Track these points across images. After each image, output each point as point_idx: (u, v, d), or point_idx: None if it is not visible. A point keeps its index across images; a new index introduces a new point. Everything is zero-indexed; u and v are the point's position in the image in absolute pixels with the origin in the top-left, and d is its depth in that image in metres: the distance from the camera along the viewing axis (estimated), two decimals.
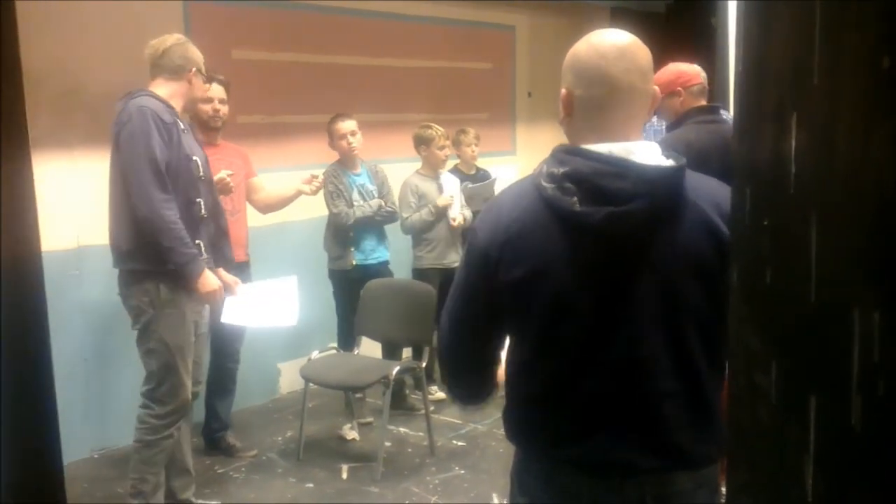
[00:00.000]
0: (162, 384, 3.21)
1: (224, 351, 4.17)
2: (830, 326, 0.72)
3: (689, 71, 3.58)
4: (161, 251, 3.08)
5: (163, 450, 3.26)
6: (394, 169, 4.94)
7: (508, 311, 1.56)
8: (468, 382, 1.79)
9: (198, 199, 3.24)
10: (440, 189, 4.93)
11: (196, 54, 3.32)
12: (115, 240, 3.18)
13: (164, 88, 3.24)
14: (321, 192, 4.49)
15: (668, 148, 3.10)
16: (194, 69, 3.29)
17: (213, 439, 4.28)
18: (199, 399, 4.14)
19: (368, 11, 5.44)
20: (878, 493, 0.68)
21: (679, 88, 3.53)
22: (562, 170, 1.48)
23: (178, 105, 3.27)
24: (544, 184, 1.50)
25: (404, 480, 3.98)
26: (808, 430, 0.76)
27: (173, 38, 3.31)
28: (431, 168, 4.97)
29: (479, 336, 1.66)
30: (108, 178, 3.21)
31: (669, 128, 3.65)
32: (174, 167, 3.14)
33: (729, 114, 3.67)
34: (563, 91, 1.59)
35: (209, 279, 3.19)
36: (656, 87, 1.60)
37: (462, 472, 4.08)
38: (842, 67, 0.69)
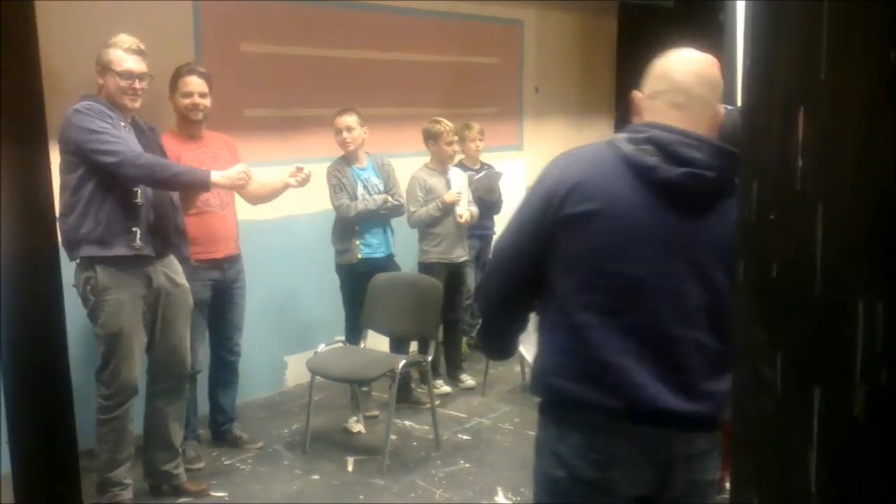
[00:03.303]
0: (105, 368, 3.36)
1: (223, 344, 4.19)
2: (835, 318, 0.73)
3: None
4: (162, 183, 3.32)
5: (112, 429, 3.38)
6: (401, 163, 4.94)
7: (562, 244, 1.71)
8: (503, 324, 1.93)
9: (134, 189, 3.33)
10: (448, 184, 4.94)
11: (104, 54, 3.38)
12: (70, 230, 3.27)
13: (101, 93, 3.39)
14: (325, 186, 4.51)
15: None
16: (97, 69, 3.38)
17: (220, 432, 4.30)
18: (203, 390, 4.18)
19: (377, 6, 5.44)
20: (882, 483, 0.69)
21: None
22: (642, 135, 1.69)
23: (112, 103, 3.37)
24: (623, 144, 1.70)
25: (410, 473, 4.00)
26: (812, 420, 0.77)
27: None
28: (440, 163, 4.97)
29: (523, 270, 1.79)
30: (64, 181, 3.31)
31: None
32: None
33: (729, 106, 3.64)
34: (639, 94, 1.80)
35: (221, 174, 3.41)
36: (721, 106, 1.79)
37: (467, 465, 4.09)
38: (849, 62, 0.70)
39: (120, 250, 3.29)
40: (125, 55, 3.36)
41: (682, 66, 1.75)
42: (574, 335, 1.72)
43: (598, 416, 1.70)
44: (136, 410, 3.54)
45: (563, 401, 1.75)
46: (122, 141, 3.23)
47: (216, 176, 3.40)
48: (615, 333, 1.68)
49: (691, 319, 1.69)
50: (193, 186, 3.43)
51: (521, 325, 1.94)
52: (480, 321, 1.98)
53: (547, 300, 1.78)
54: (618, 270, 1.68)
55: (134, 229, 3.31)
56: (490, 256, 1.90)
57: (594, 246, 1.68)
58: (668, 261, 1.68)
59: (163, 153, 3.53)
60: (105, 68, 3.36)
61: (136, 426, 3.60)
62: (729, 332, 1.73)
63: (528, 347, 2.37)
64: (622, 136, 1.73)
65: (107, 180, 3.25)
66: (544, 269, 1.75)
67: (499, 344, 2.03)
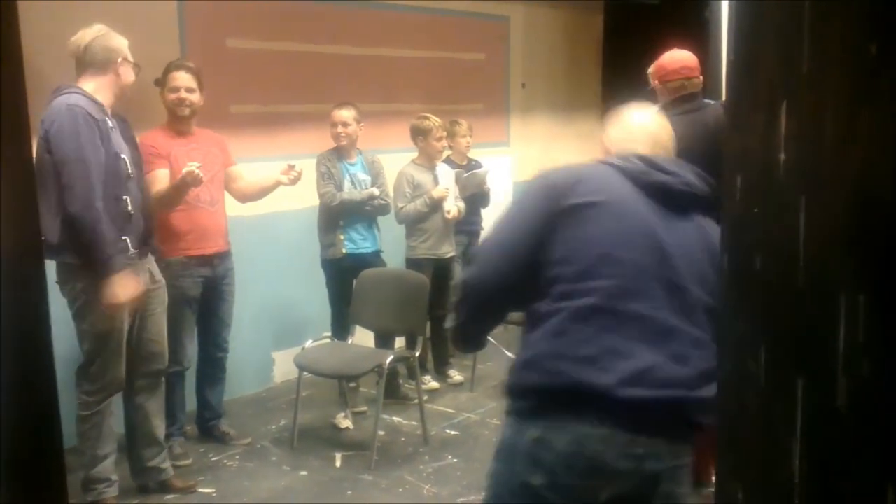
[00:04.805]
0: (92, 364, 3.34)
1: (212, 340, 4.18)
2: (817, 309, 0.74)
3: (669, 65, 3.52)
4: (84, 246, 3.14)
5: (94, 425, 3.37)
6: (387, 159, 4.94)
7: (565, 232, 1.74)
8: (487, 316, 1.93)
9: (124, 197, 3.29)
10: (436, 180, 4.93)
11: (119, 43, 3.33)
12: (44, 233, 3.17)
13: (91, 84, 3.29)
14: (313, 181, 4.51)
15: None
16: (120, 59, 3.32)
17: (207, 428, 4.28)
18: (190, 386, 4.18)
19: (363, 1, 5.43)
20: (864, 472, 0.70)
21: (655, 82, 3.52)
22: (630, 155, 1.85)
23: (106, 99, 3.31)
24: (613, 160, 1.84)
25: (397, 469, 4.00)
26: (796, 412, 0.78)
27: (94, 31, 3.31)
28: (428, 159, 4.97)
29: (518, 261, 1.79)
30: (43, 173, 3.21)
31: None
32: (102, 165, 3.20)
33: (712, 101, 3.67)
34: (613, 143, 1.98)
35: (124, 283, 3.20)
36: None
37: (455, 460, 4.09)
38: (830, 55, 0.71)
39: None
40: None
41: (654, 124, 1.98)
42: (576, 318, 1.71)
43: (594, 410, 1.66)
44: (117, 409, 3.54)
45: (558, 388, 1.70)
46: (90, 181, 3.12)
47: (115, 281, 3.18)
48: (618, 318, 1.69)
49: (691, 315, 1.72)
50: (100, 263, 3.17)
51: (501, 319, 1.97)
52: (458, 313, 1.92)
53: (543, 289, 1.76)
54: (621, 257, 1.71)
55: (124, 238, 3.28)
56: (478, 251, 1.90)
57: (598, 234, 1.73)
58: (668, 255, 1.73)
59: (134, 144, 3.49)
60: (123, 58, 3.31)
61: (118, 426, 3.59)
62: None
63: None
64: (611, 159, 1.87)
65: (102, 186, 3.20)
66: (540, 260, 1.76)
67: (476, 337, 2.04)
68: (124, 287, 3.21)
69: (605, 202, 1.75)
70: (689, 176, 1.82)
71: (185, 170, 3.55)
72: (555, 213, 1.75)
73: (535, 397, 1.75)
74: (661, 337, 1.69)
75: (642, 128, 1.95)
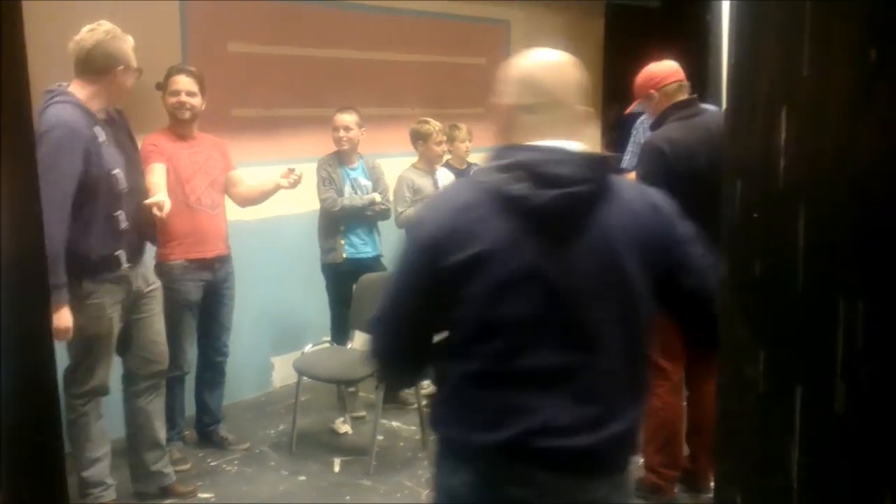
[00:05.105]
0: (80, 366, 3.34)
1: (211, 345, 4.17)
2: (816, 316, 0.74)
3: (661, 72, 3.54)
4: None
5: (81, 427, 3.36)
6: (387, 163, 4.94)
7: (451, 294, 1.61)
8: (406, 374, 1.93)
9: (116, 213, 3.25)
10: (435, 184, 4.93)
11: (122, 48, 3.26)
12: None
13: (86, 89, 3.22)
14: (313, 185, 4.51)
15: (649, 149, 3.28)
16: (121, 67, 3.25)
17: (206, 433, 4.28)
18: (189, 390, 4.18)
19: (364, 5, 5.43)
20: (862, 477, 0.70)
21: (651, 91, 3.53)
22: (509, 160, 1.61)
23: (100, 104, 3.26)
24: (492, 175, 1.63)
25: (396, 474, 3.99)
26: (794, 417, 0.78)
27: (99, 34, 3.24)
28: (428, 163, 4.97)
29: (419, 328, 1.72)
30: None
31: (652, 127, 3.65)
32: (93, 183, 3.15)
33: (710, 106, 3.69)
34: (503, 102, 1.70)
35: (63, 317, 3.14)
36: (590, 109, 1.74)
37: None
38: (830, 60, 0.71)
39: (106, 275, 3.28)
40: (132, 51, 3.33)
41: (546, 72, 1.68)
42: (465, 384, 1.66)
43: (495, 459, 1.64)
44: (115, 414, 3.54)
45: (459, 444, 1.70)
46: (56, 201, 3.03)
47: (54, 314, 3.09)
48: (510, 377, 1.62)
49: (595, 344, 1.61)
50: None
51: (421, 372, 1.92)
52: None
53: (440, 349, 1.72)
54: (506, 315, 1.59)
55: (117, 253, 3.28)
56: (371, 323, 1.80)
57: (480, 292, 1.59)
58: (558, 292, 1.59)
59: (131, 137, 3.46)
60: (125, 64, 3.25)
61: (118, 430, 3.59)
62: (643, 351, 1.69)
63: None
64: (492, 164, 1.65)
65: (90, 202, 3.17)
66: (433, 323, 1.69)
67: (404, 385, 2.01)
68: (60, 321, 3.12)
69: (485, 252, 1.57)
70: (584, 170, 1.59)
71: (152, 201, 3.44)
72: (435, 277, 1.61)
73: (443, 442, 1.76)
74: (559, 382, 1.61)
75: (541, 91, 1.66)
